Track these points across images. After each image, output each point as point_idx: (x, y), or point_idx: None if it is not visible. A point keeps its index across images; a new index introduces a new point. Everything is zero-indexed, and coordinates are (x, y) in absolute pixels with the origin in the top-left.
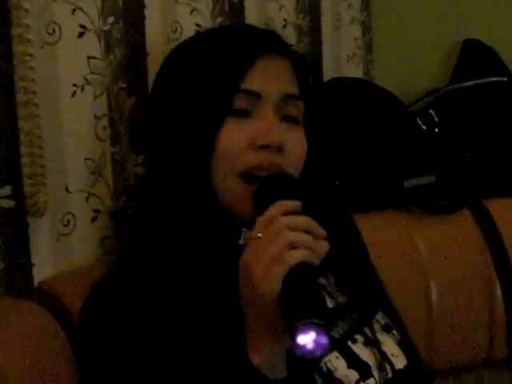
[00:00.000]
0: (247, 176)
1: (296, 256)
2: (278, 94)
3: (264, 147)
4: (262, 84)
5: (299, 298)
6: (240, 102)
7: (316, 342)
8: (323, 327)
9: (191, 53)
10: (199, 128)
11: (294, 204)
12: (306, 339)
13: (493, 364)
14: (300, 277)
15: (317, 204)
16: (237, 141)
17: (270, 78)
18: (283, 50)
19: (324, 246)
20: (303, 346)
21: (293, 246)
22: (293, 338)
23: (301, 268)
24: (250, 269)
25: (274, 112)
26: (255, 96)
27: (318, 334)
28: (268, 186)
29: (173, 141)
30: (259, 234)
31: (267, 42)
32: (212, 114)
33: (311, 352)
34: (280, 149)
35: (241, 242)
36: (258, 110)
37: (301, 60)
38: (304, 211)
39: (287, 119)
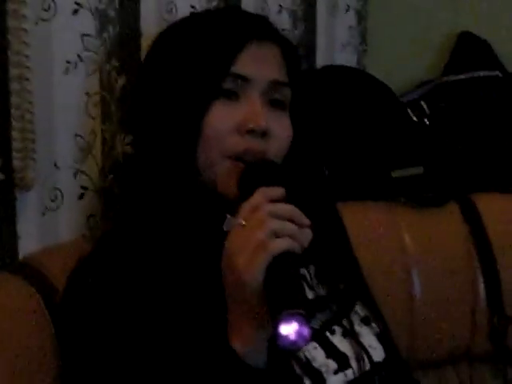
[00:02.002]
0: (233, 158)
1: (280, 245)
2: (266, 79)
3: (249, 132)
4: (251, 69)
5: (282, 288)
6: (228, 86)
7: (298, 333)
8: (306, 318)
9: (182, 34)
10: (187, 110)
11: (279, 192)
12: (289, 329)
13: (473, 357)
14: (283, 266)
15: (301, 192)
16: (223, 124)
17: (259, 64)
18: (274, 36)
19: (307, 235)
20: (285, 336)
21: (276, 235)
22: (275, 328)
23: (284, 257)
24: (233, 256)
25: (261, 97)
26: (244, 80)
27: (300, 324)
28: (253, 172)
29: (161, 121)
30: (243, 222)
31: (258, 28)
32: (200, 96)
33: (293, 342)
34: (265, 134)
35: (225, 228)
36: (246, 94)
37: (291, 48)
38: (288, 199)
39: (273, 105)
